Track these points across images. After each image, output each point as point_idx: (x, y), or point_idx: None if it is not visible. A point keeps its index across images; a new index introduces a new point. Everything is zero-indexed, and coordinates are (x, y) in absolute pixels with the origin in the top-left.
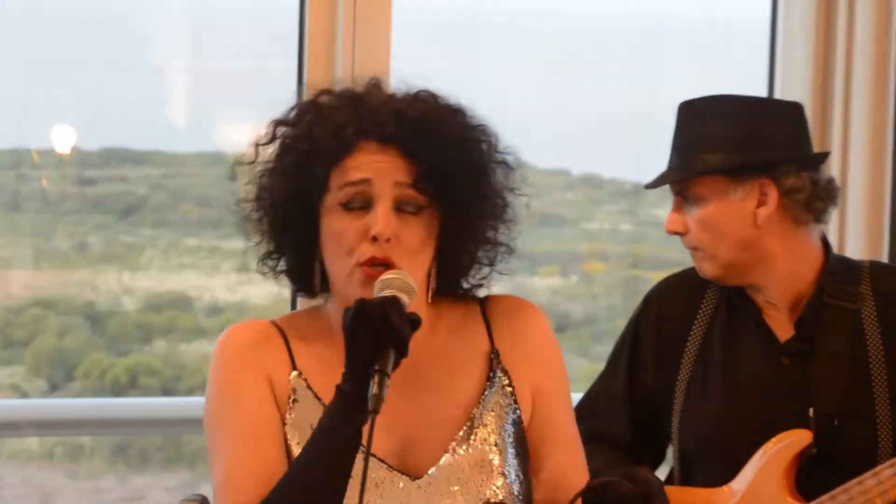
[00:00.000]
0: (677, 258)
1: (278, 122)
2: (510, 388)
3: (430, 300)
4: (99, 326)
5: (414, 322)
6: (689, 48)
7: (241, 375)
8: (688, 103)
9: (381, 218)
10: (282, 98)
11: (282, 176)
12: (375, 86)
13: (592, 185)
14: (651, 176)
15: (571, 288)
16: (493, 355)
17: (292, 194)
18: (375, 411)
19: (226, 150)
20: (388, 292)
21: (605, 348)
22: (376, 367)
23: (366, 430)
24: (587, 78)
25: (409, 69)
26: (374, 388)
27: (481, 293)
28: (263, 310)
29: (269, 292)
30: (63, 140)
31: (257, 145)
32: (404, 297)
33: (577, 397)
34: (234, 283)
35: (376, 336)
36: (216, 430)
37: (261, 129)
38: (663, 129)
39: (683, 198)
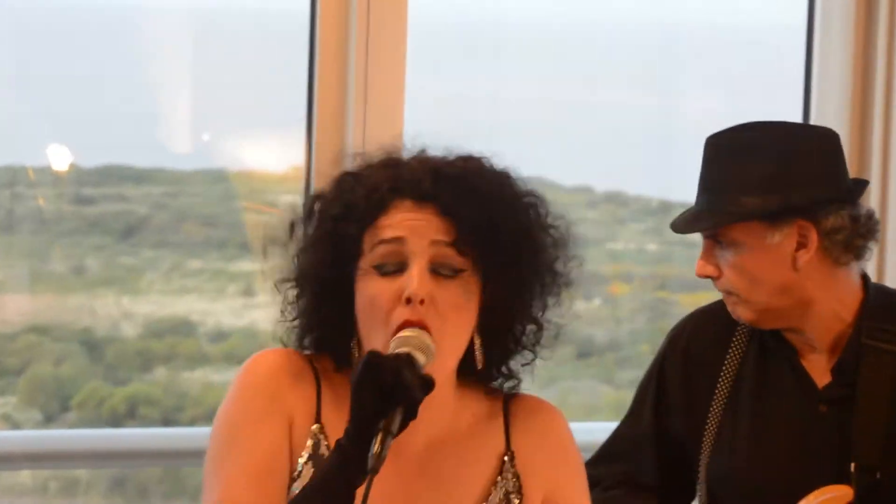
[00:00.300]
0: (707, 281)
1: (316, 197)
2: (518, 496)
3: (456, 387)
4: (96, 353)
5: (427, 384)
6: (715, 58)
7: (265, 407)
8: (715, 138)
9: (416, 278)
10: (291, 112)
11: (316, 246)
12: (419, 152)
13: (617, 203)
14: (677, 194)
15: (594, 311)
16: (506, 457)
17: (328, 262)
18: (374, 471)
19: (231, 167)
20: (403, 349)
21: (630, 375)
22: (381, 426)
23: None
24: (610, 90)
25: (424, 81)
26: (375, 447)
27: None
28: (272, 335)
29: (277, 317)
30: (60, 157)
31: (293, 224)
32: (420, 357)
33: (601, 426)
34: (240, 307)
35: (385, 393)
36: (221, 454)
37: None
38: (690, 142)
39: (715, 241)
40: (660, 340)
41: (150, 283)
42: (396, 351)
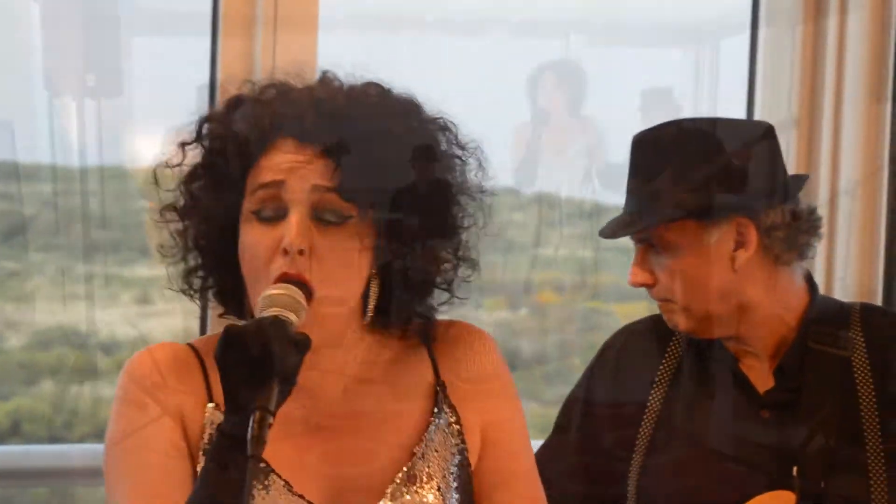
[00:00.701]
0: (642, 290)
1: (203, 119)
2: (457, 427)
3: (367, 326)
4: None
5: (301, 344)
6: (653, 52)
7: (148, 414)
8: (643, 135)
9: (294, 227)
10: (194, 104)
11: (200, 180)
12: (322, 80)
13: (546, 206)
14: (612, 196)
15: (521, 322)
16: (438, 388)
17: (211, 202)
18: (255, 456)
19: (128, 164)
20: (270, 311)
21: (559, 390)
22: (256, 405)
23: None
24: (540, 84)
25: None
26: (253, 429)
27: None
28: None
29: (175, 326)
30: None
31: (182, 145)
32: (291, 316)
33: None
34: (135, 315)
35: (254, 367)
36: (115, 479)
37: (171, 138)
38: (625, 142)
39: (650, 245)
40: (592, 354)
41: (35, 290)
42: (261, 315)
